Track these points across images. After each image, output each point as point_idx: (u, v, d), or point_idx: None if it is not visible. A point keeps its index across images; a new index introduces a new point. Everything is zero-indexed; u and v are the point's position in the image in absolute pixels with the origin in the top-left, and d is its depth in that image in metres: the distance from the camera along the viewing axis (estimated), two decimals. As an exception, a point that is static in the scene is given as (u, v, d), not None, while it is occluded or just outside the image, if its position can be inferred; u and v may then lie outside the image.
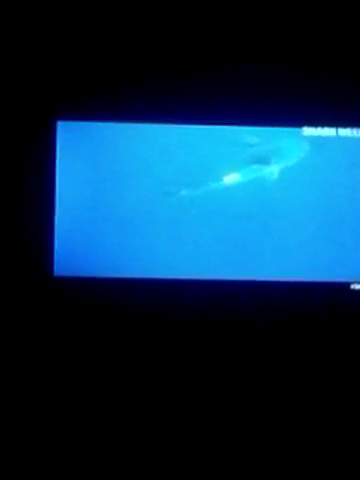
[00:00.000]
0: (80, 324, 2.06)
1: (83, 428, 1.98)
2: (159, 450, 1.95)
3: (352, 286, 2.09)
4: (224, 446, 1.97)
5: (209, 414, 2.01)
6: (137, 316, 2.06)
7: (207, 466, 1.93)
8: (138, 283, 2.06)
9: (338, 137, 2.11)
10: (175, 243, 2.08)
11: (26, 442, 1.94)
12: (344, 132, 2.11)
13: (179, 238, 2.08)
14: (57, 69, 2.07)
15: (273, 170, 2.08)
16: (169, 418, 2.00)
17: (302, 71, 2.10)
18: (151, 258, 2.08)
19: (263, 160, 2.09)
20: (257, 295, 2.08)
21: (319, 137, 2.10)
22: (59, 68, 2.07)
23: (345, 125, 2.10)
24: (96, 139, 2.08)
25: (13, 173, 2.07)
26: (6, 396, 1.99)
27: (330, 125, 2.10)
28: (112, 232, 2.08)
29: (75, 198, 2.07)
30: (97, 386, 2.03)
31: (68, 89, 2.08)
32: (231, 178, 2.09)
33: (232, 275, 2.08)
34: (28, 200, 2.06)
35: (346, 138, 2.10)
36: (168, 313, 2.07)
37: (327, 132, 2.11)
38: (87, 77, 2.08)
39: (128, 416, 2.00)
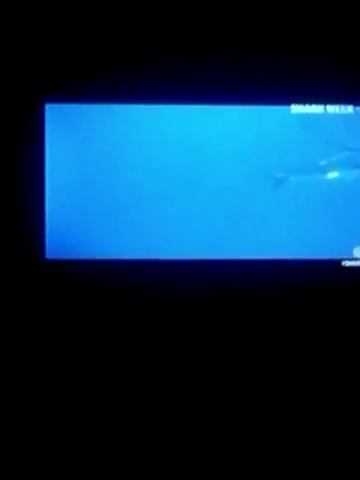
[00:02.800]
0: (73, 307, 2.06)
1: (79, 413, 1.99)
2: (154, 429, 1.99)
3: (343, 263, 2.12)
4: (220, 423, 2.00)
5: (205, 400, 2.03)
6: (131, 297, 2.07)
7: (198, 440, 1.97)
8: (131, 264, 2.07)
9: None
10: (166, 223, 2.09)
11: (23, 423, 1.96)
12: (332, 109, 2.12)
13: (170, 217, 2.09)
14: (45, 50, 2.05)
15: None
16: (164, 408, 2.02)
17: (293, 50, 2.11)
18: (143, 239, 2.08)
19: None
20: (251, 274, 2.09)
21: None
22: (47, 49, 2.05)
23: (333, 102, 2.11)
24: (85, 121, 2.07)
25: (2, 157, 2.06)
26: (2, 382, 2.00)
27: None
28: (103, 214, 2.08)
29: (65, 181, 2.06)
30: (92, 368, 2.03)
31: (56, 71, 2.06)
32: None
33: (224, 255, 2.09)
34: (18, 184, 2.06)
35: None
36: (162, 294, 2.07)
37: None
38: (77, 57, 2.07)
39: (123, 399, 2.01)
